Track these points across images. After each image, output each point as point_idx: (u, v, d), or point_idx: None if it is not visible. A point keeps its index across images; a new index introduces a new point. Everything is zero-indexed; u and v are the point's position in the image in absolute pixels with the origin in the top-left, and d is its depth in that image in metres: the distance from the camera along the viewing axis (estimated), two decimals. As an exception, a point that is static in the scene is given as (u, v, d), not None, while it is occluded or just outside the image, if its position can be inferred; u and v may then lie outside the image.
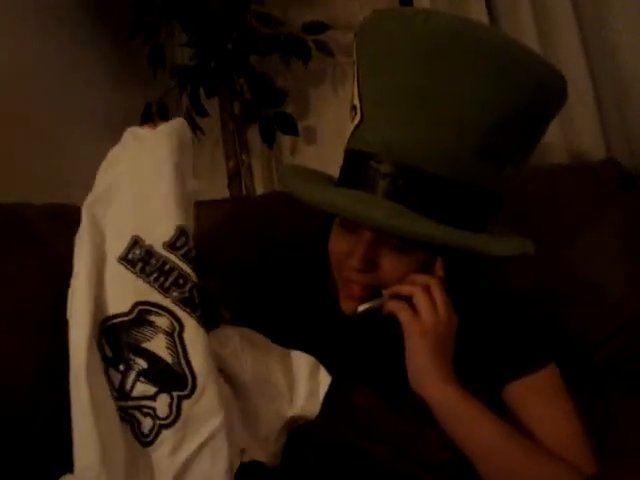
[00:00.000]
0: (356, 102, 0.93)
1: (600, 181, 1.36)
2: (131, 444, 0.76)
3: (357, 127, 0.92)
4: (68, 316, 0.80)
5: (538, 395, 0.96)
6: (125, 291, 0.81)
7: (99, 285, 0.81)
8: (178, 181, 0.86)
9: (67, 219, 0.87)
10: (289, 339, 0.99)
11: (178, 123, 0.95)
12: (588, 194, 1.34)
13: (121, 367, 0.78)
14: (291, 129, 2.13)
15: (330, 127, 2.22)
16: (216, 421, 0.75)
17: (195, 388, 0.75)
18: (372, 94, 0.91)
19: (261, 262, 1.19)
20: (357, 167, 0.92)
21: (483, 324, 1.01)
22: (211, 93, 2.06)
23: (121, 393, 0.78)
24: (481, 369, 0.98)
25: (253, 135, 2.20)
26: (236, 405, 0.85)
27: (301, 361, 0.93)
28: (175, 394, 0.76)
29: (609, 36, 1.57)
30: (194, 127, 2.09)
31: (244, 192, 2.09)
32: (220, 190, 2.05)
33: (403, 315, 0.91)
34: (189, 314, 0.79)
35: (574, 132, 1.56)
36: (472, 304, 1.00)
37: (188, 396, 0.75)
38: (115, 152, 0.93)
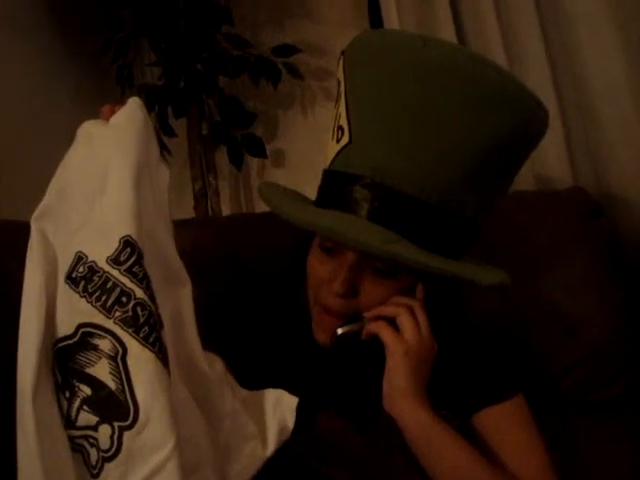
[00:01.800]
0: (343, 123, 0.92)
1: (567, 209, 1.37)
2: (84, 475, 0.71)
3: (343, 148, 0.91)
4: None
5: (506, 424, 0.97)
6: (70, 313, 0.76)
7: (50, 306, 0.76)
8: (128, 184, 0.80)
9: (20, 236, 0.83)
10: (258, 361, 0.98)
11: (133, 109, 0.88)
12: (554, 222, 1.34)
13: (67, 394, 0.73)
14: (259, 151, 2.12)
15: (299, 150, 2.21)
16: (163, 453, 0.69)
17: (137, 418, 0.70)
18: (363, 117, 0.90)
19: (229, 283, 1.17)
20: (340, 189, 0.90)
21: (456, 351, 1.00)
22: (179, 113, 2.04)
23: (68, 422, 0.73)
24: (451, 396, 0.97)
25: (221, 157, 2.18)
26: (208, 436, 0.80)
27: (263, 397, 0.89)
28: (116, 425, 0.70)
29: (577, 62, 1.58)
30: (161, 148, 2.07)
31: (210, 214, 2.06)
32: (186, 212, 2.01)
33: (387, 334, 0.90)
34: (132, 335, 0.72)
35: (540, 158, 1.57)
36: (447, 330, 1.00)
37: (130, 427, 0.70)
38: (67, 156, 0.87)
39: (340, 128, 0.92)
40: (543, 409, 1.08)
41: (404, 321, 0.90)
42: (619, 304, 1.29)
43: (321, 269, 0.93)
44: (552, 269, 1.30)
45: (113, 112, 0.89)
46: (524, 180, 1.58)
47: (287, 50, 2.04)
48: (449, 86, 0.85)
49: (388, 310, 0.91)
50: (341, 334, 0.92)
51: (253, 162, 2.28)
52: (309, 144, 2.13)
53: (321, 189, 0.97)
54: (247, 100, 2.20)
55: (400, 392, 0.88)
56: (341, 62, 0.96)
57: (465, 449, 0.88)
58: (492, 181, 0.92)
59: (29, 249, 0.81)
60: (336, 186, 0.92)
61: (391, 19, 1.73)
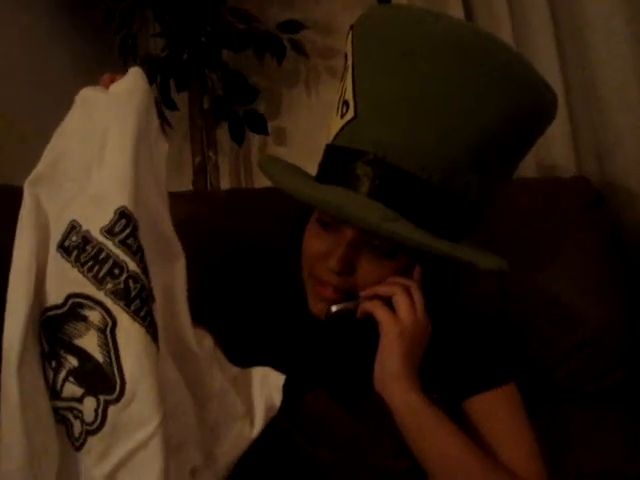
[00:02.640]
0: (349, 97, 0.90)
1: (569, 198, 1.36)
2: (66, 447, 0.70)
3: (348, 123, 0.90)
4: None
5: (497, 412, 0.96)
6: (60, 282, 0.75)
7: (40, 274, 0.75)
8: (126, 154, 0.78)
9: (11, 201, 0.81)
10: (252, 337, 0.97)
11: (134, 79, 0.85)
12: (556, 210, 1.33)
13: (53, 364, 0.72)
14: (261, 128, 2.10)
15: (301, 128, 2.20)
16: (148, 429, 0.68)
17: (123, 392, 0.68)
18: (370, 92, 0.89)
19: (223, 257, 1.15)
20: (342, 164, 0.89)
21: (450, 335, 0.99)
22: (181, 86, 2.02)
23: (53, 392, 0.71)
24: (443, 380, 0.97)
25: (222, 132, 2.16)
26: (195, 415, 0.79)
27: (251, 375, 0.88)
28: (102, 398, 0.69)
29: (586, 50, 1.55)
30: (162, 120, 2.05)
31: (209, 189, 2.04)
32: (185, 186, 2.01)
33: (381, 313, 0.88)
34: (122, 308, 0.71)
35: (545, 146, 1.55)
36: (443, 314, 0.99)
37: (115, 401, 0.68)
38: (64, 122, 0.85)
39: (345, 103, 0.91)
40: (536, 398, 1.08)
41: (400, 301, 0.88)
42: (618, 295, 1.28)
43: (318, 243, 0.92)
44: (552, 257, 1.29)
45: (113, 81, 0.88)
46: (528, 167, 1.56)
47: (293, 26, 2.02)
48: (454, 62, 0.84)
49: (384, 289, 0.90)
50: (335, 311, 0.91)
51: (254, 139, 2.26)
52: (312, 123, 2.11)
53: (322, 164, 0.95)
54: (251, 76, 2.17)
55: (392, 373, 0.87)
56: (350, 36, 0.95)
57: (456, 435, 0.87)
58: (496, 163, 0.90)
59: (21, 214, 0.79)
60: (338, 161, 0.90)
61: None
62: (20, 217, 0.79)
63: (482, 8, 1.67)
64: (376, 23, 0.93)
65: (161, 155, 0.88)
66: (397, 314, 0.88)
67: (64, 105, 0.89)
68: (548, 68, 1.53)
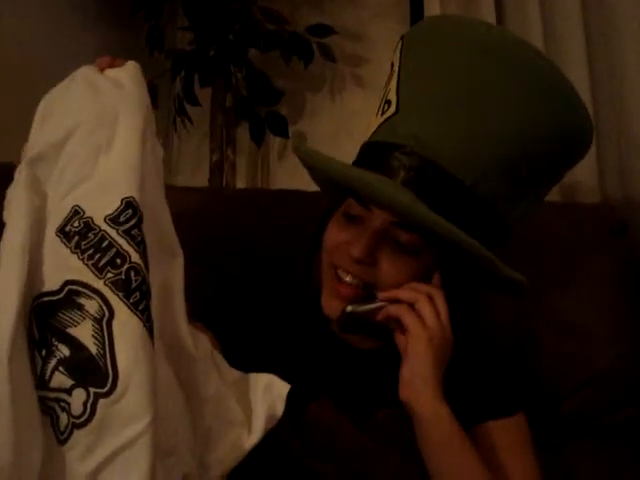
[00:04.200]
0: (391, 97, 0.91)
1: (591, 225, 1.32)
2: (50, 440, 0.67)
3: (388, 119, 0.90)
4: None
5: (503, 441, 0.92)
6: (58, 267, 0.71)
7: (34, 257, 0.71)
8: (136, 144, 0.76)
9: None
10: (258, 342, 0.96)
11: (137, 73, 0.83)
12: (577, 237, 1.30)
13: (43, 352, 0.68)
14: (282, 131, 2.09)
15: (322, 134, 2.17)
16: (137, 427, 0.64)
17: (115, 387, 0.65)
18: (414, 90, 0.90)
19: (235, 261, 1.14)
20: (378, 156, 0.88)
21: (464, 357, 0.95)
22: (205, 82, 2.01)
23: (41, 381, 0.68)
24: (452, 404, 0.90)
25: (242, 131, 2.15)
26: (188, 418, 0.76)
27: (254, 382, 0.84)
28: (92, 391, 0.65)
29: (615, 67, 1.55)
30: (182, 114, 2.04)
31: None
32: (201, 183, 2.00)
33: (410, 318, 0.84)
34: (121, 299, 0.68)
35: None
36: (459, 333, 0.93)
37: (106, 395, 0.65)
38: (64, 97, 0.81)
39: (387, 102, 0.92)
40: (543, 430, 1.05)
41: (424, 308, 0.84)
42: (635, 328, 1.24)
43: (341, 234, 0.90)
44: (568, 285, 1.26)
45: (111, 65, 0.84)
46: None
47: (322, 30, 2.00)
48: (507, 75, 0.85)
49: (406, 294, 0.86)
50: (350, 311, 0.87)
51: (274, 141, 2.24)
52: (333, 129, 2.10)
53: (358, 158, 0.95)
54: (276, 77, 2.16)
55: (424, 380, 0.82)
56: (399, 45, 0.96)
57: (475, 454, 0.84)
58: (529, 184, 0.90)
59: (13, 193, 0.76)
60: (374, 153, 0.90)
61: (432, 10, 1.69)
62: (13, 196, 0.76)
63: (515, 22, 1.67)
64: (427, 28, 0.95)
65: (159, 154, 0.85)
66: (423, 321, 0.84)
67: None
68: (576, 82, 1.51)
